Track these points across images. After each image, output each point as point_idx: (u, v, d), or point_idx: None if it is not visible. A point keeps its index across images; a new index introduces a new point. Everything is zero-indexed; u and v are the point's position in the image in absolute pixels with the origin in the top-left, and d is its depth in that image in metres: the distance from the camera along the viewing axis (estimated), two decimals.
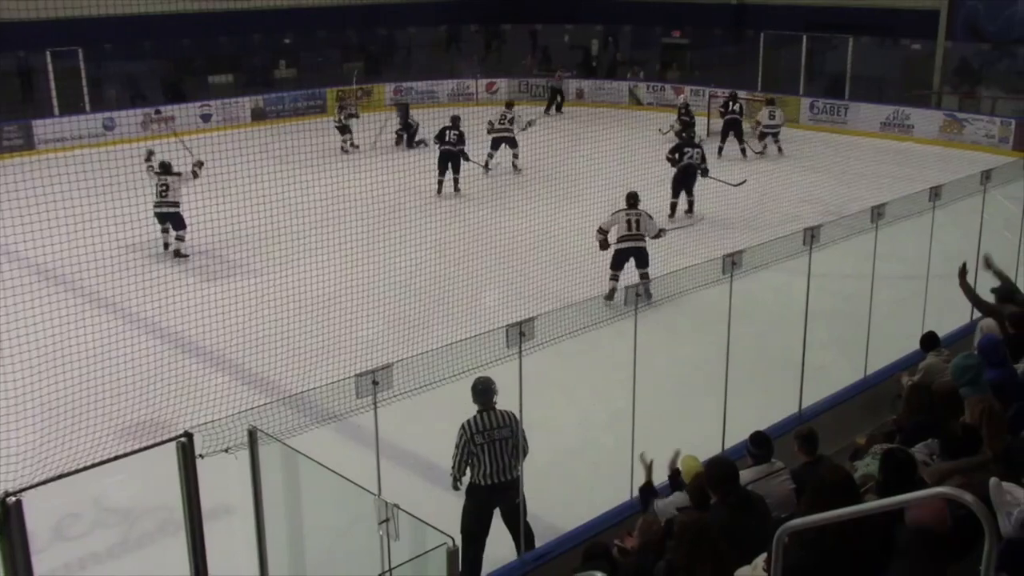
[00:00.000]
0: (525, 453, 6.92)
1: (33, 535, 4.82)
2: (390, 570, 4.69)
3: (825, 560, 4.29)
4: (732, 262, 7.88)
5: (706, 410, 8.23)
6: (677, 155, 16.71)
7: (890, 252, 9.26)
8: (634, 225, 12.66)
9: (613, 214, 12.94)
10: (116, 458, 5.45)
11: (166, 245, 15.40)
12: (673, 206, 16.73)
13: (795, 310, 8.99)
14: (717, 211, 16.66)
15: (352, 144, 22.33)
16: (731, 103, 22.38)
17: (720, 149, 21.88)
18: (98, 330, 10.46)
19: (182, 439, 5.21)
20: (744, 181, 17.56)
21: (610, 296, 11.34)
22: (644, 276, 12.23)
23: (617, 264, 12.62)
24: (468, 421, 6.93)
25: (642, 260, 12.65)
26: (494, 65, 30.63)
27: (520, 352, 6.52)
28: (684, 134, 23.23)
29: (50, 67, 23.80)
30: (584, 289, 11.15)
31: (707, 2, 28.81)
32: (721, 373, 8.07)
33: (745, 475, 5.98)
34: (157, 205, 15.27)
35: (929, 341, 8.46)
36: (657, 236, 12.84)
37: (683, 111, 23.69)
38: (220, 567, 5.63)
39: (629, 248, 12.63)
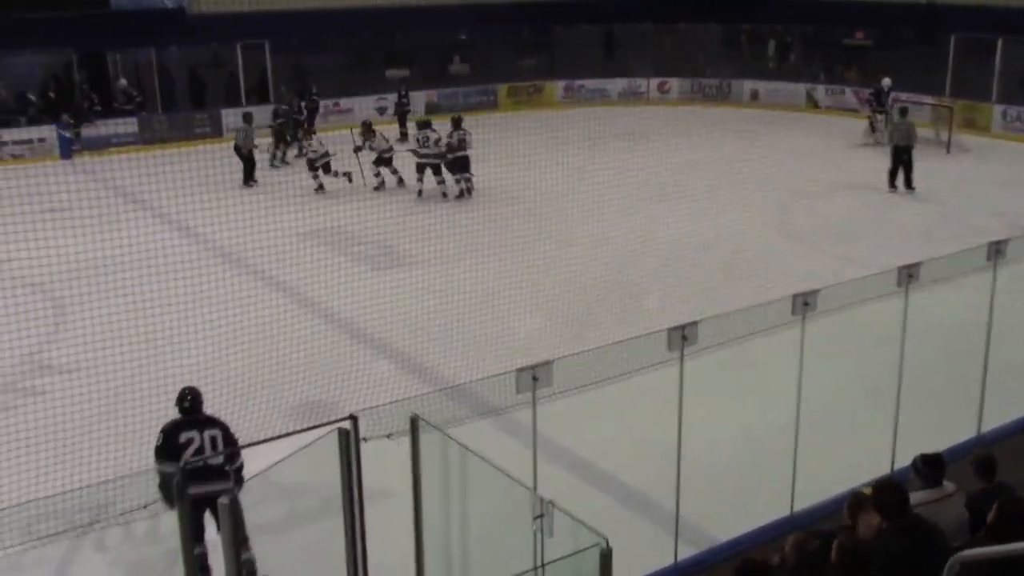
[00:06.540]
0: None
1: None
2: (542, 566, 4.68)
3: None
4: (908, 275, 7.53)
5: (874, 427, 7.89)
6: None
7: None
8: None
9: None
10: (285, 435, 5.65)
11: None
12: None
13: (977, 328, 8.51)
14: (894, 221, 15.97)
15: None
16: None
17: None
18: (272, 313, 10.92)
19: (346, 422, 5.36)
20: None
21: None
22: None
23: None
24: None
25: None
26: (666, 64, 30.23)
27: (682, 356, 6.42)
28: (877, 119, 22.61)
29: (240, 59, 25.04)
30: (749, 296, 10.86)
31: (895, 1, 27.54)
32: (892, 390, 7.71)
33: (912, 498, 5.68)
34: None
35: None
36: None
37: (872, 97, 23.17)
38: (377, 549, 5.76)
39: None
